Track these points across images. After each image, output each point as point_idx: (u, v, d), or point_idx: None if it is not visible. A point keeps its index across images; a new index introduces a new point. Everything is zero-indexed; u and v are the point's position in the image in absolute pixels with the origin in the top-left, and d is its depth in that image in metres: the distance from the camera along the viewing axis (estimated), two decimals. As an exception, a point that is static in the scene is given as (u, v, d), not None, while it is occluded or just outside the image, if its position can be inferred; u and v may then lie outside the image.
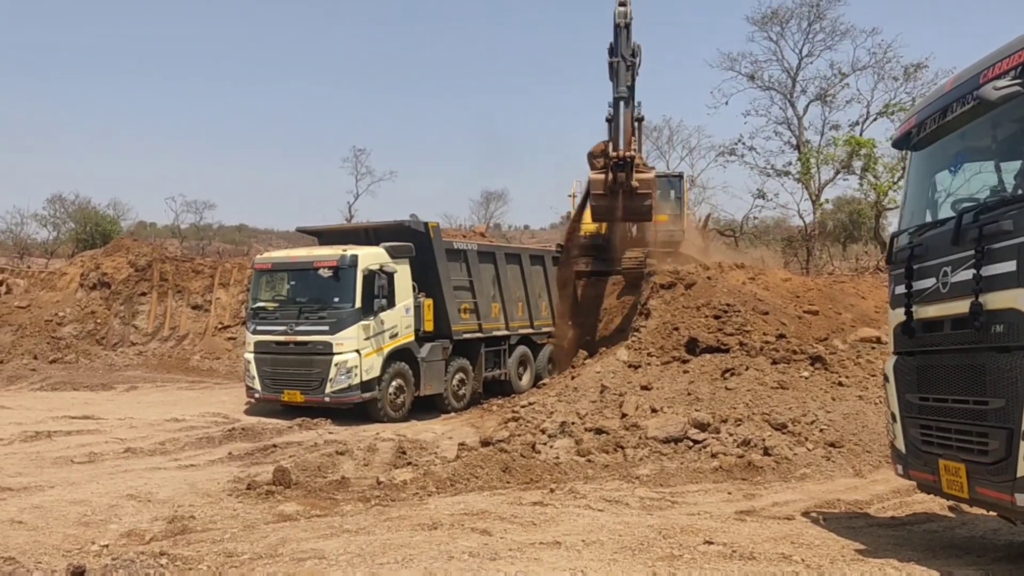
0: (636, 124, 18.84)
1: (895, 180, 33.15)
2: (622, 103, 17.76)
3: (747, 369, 12.90)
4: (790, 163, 38.23)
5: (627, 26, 18.60)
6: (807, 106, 39.50)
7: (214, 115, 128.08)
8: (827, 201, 38.92)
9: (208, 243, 52.94)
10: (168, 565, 6.08)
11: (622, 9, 18.37)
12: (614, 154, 17.69)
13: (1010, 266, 5.18)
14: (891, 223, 36.96)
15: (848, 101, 38.45)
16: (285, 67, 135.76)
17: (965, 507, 7.54)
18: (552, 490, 9.15)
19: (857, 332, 14.47)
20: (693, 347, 13.92)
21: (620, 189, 17.65)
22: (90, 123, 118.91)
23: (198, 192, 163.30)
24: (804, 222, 38.77)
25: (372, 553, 6.29)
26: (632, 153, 17.75)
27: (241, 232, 66.30)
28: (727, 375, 12.90)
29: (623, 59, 18.34)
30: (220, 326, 25.25)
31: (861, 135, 35.58)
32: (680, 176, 25.71)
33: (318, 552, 6.36)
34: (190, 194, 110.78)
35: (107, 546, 6.81)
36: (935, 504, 8.27)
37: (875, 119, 36.82)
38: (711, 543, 6.58)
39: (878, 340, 13.86)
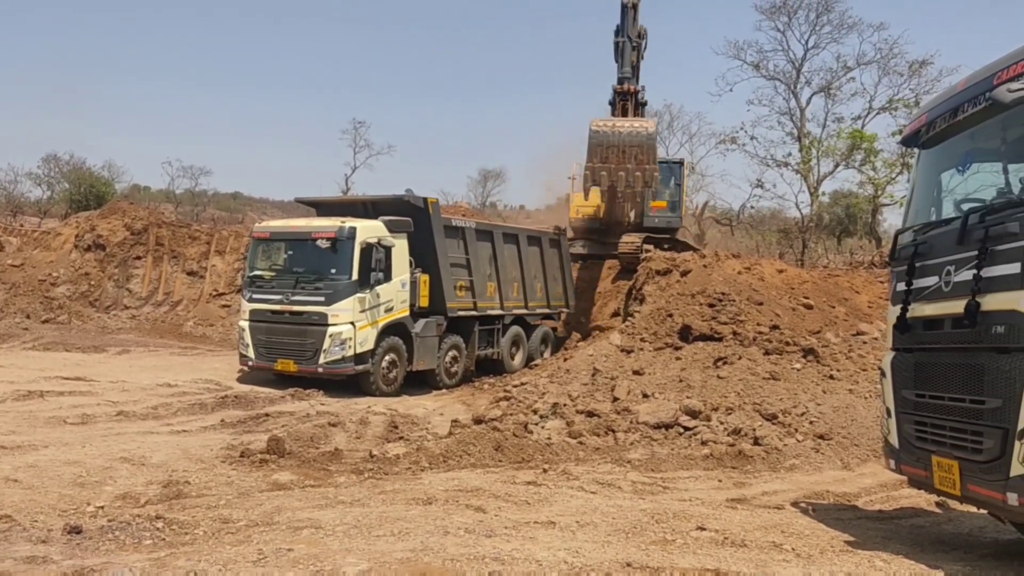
0: (641, 108, 19.36)
1: (893, 176, 33.27)
2: (626, 81, 19.55)
3: (739, 359, 12.96)
4: (790, 154, 38.33)
5: (634, 6, 19.06)
6: (810, 98, 39.62)
7: (212, 81, 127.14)
8: (824, 194, 39.05)
9: (203, 209, 52.63)
10: (164, 529, 6.12)
11: None
12: (619, 87, 19.68)
13: (1014, 268, 5.24)
14: (886, 219, 37.10)
15: (852, 95, 38.72)
16: (288, 35, 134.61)
17: (952, 504, 7.65)
18: (545, 470, 9.22)
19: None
20: (686, 334, 13.99)
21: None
22: (87, 82, 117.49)
23: (194, 158, 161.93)
24: (801, 214, 38.89)
25: (368, 525, 6.35)
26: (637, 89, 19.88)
27: (236, 200, 66.00)
28: (719, 364, 12.97)
29: (628, 39, 18.77)
30: (215, 293, 25.21)
31: (863, 129, 35.68)
32: (680, 162, 25.66)
33: (314, 522, 6.41)
34: (186, 159, 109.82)
35: (103, 507, 6.85)
36: (922, 499, 8.36)
37: (878, 114, 37.02)
38: (703, 529, 6.66)
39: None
